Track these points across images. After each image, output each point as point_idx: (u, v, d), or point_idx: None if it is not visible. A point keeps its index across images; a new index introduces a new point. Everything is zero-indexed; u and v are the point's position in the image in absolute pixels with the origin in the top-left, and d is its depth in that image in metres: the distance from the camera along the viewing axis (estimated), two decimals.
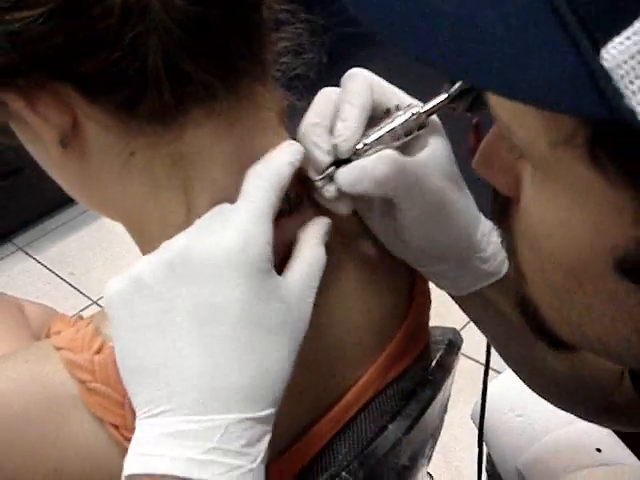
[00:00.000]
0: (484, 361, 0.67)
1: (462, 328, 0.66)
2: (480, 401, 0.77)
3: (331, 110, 0.50)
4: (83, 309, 2.00)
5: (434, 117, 0.51)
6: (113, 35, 0.40)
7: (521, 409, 0.96)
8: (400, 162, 0.48)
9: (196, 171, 0.46)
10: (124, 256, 2.02)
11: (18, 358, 0.48)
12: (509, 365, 0.66)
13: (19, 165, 0.45)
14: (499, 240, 0.54)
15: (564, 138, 0.30)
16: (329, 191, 0.49)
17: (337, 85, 0.51)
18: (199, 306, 0.42)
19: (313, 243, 0.47)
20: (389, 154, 0.48)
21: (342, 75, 0.50)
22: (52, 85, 0.43)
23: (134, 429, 0.42)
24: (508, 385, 0.95)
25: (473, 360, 0.68)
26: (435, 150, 0.51)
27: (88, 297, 2.06)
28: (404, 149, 0.51)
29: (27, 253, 2.25)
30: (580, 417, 0.69)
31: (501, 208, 0.41)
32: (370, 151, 0.49)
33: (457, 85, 0.49)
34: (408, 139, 0.50)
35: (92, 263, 2.17)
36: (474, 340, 0.64)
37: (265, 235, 0.43)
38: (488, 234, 0.54)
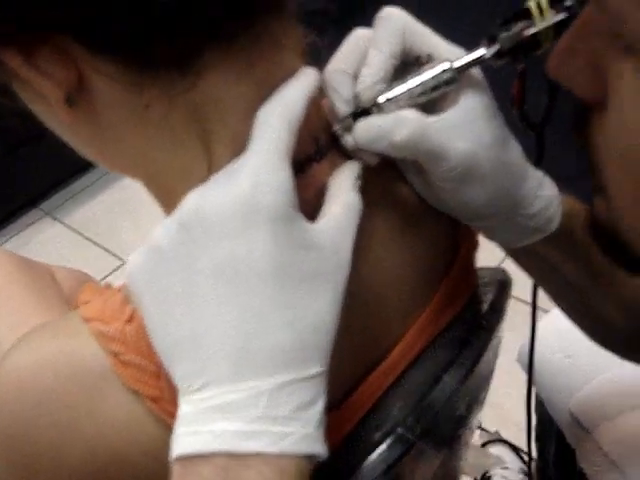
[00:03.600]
0: (530, 301, 0.64)
1: (501, 262, 0.63)
2: (527, 343, 0.74)
3: (358, 55, 0.46)
4: (114, 270, 1.99)
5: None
6: None
7: (570, 350, 0.93)
8: (422, 125, 0.44)
9: (215, 121, 0.42)
10: (150, 214, 2.00)
11: (47, 332, 0.45)
12: (568, 316, 0.63)
13: (38, 131, 0.43)
14: (550, 193, 0.50)
15: None
16: (348, 141, 0.46)
17: (362, 21, 0.46)
18: (220, 265, 0.38)
19: (345, 188, 0.44)
20: (409, 116, 0.45)
21: (367, 10, 0.46)
22: (53, 39, 0.39)
23: (174, 400, 0.40)
24: (556, 325, 0.92)
25: (517, 299, 0.65)
26: (466, 107, 0.46)
27: (118, 257, 2.05)
28: (432, 104, 0.47)
29: (55, 218, 2.25)
30: None
31: (579, 116, 0.36)
32: (392, 106, 0.45)
33: (496, 46, 0.44)
34: (435, 95, 0.46)
35: (119, 223, 2.16)
36: (518, 278, 0.61)
37: (281, 177, 0.39)
38: (536, 188, 0.50)
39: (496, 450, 1.43)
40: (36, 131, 0.49)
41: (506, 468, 1.36)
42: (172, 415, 0.40)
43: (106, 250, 2.10)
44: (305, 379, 0.38)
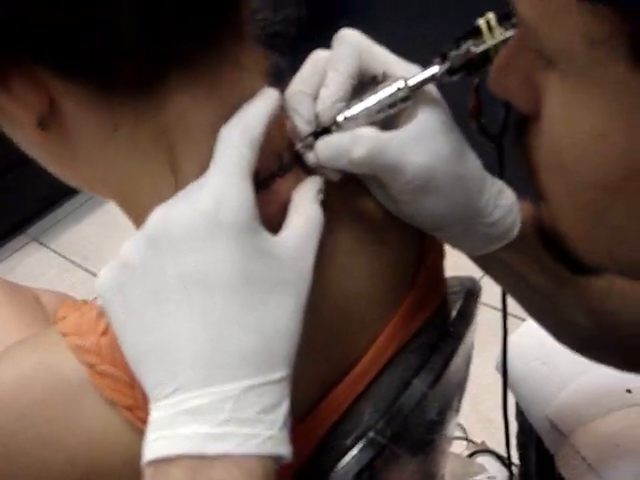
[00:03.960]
0: (510, 311, 0.66)
1: (482, 278, 0.64)
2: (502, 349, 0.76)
3: (318, 76, 0.48)
4: None
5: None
6: (80, 8, 0.38)
7: (546, 357, 0.95)
8: (377, 141, 0.46)
9: (181, 140, 0.44)
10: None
11: (26, 347, 0.47)
12: (535, 320, 0.65)
13: (23, 158, 0.44)
14: (510, 201, 0.52)
15: (604, 35, 0.28)
16: (310, 159, 0.48)
17: (321, 42, 0.49)
18: (186, 276, 0.40)
19: (307, 201, 0.46)
20: (366, 134, 0.47)
21: (326, 30, 0.48)
22: (24, 66, 0.41)
23: (147, 409, 0.41)
24: (531, 333, 0.94)
25: (497, 310, 0.67)
26: (421, 122, 0.48)
27: None
28: (390, 121, 0.49)
29: (41, 243, 2.25)
30: (612, 367, 0.68)
31: (519, 128, 0.39)
32: (351, 124, 0.47)
33: (447, 63, 0.47)
34: (392, 112, 0.48)
35: (105, 247, 2.16)
36: (497, 289, 0.63)
37: (242, 192, 0.41)
38: (495, 197, 0.51)
39: (483, 460, 1.44)
40: (21, 157, 0.50)
41: (493, 478, 1.37)
42: (146, 422, 0.42)
43: (92, 274, 2.10)
44: (270, 383, 0.40)
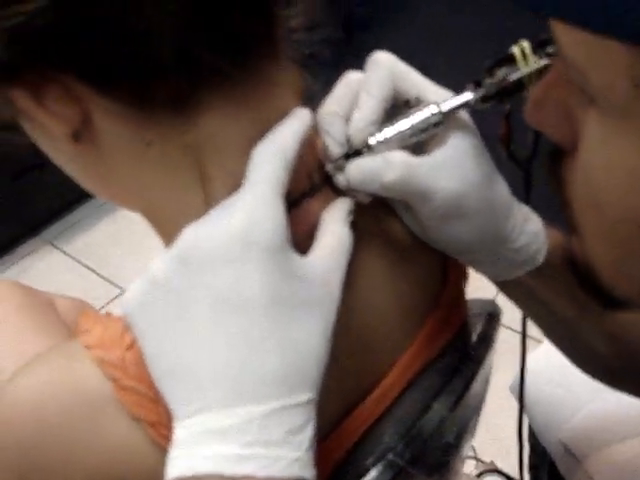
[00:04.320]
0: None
1: (496, 295, 0.65)
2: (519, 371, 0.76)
3: (350, 98, 0.48)
4: (113, 298, 2.01)
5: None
6: (119, 24, 0.38)
7: (561, 380, 0.94)
8: (409, 166, 0.47)
9: (212, 158, 0.44)
10: (149, 243, 2.01)
11: (49, 360, 0.47)
12: (554, 345, 0.64)
13: (39, 160, 0.44)
14: (536, 228, 0.52)
15: None
16: (340, 181, 0.48)
17: (355, 63, 0.49)
18: (216, 296, 0.40)
19: (337, 223, 0.46)
20: (397, 158, 0.47)
21: (360, 51, 0.48)
22: (59, 78, 0.41)
23: (170, 426, 0.41)
24: (548, 356, 0.94)
25: (511, 330, 0.66)
26: (452, 148, 0.48)
27: (117, 285, 2.07)
28: (421, 145, 0.49)
29: (55, 246, 2.27)
30: (631, 395, 0.67)
31: (552, 159, 0.38)
32: (382, 147, 0.47)
33: (481, 90, 0.47)
34: (423, 137, 0.48)
35: (118, 252, 2.17)
36: (513, 309, 0.63)
37: (274, 214, 0.41)
38: (521, 224, 0.52)
39: None
40: (37, 160, 0.51)
41: None
42: (169, 440, 0.42)
43: (105, 279, 2.11)
44: (296, 405, 0.40)
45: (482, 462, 1.49)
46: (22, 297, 0.86)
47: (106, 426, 0.45)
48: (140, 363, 0.43)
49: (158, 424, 0.44)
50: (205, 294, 0.40)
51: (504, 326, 0.91)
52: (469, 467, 1.46)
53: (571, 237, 0.39)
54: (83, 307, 1.06)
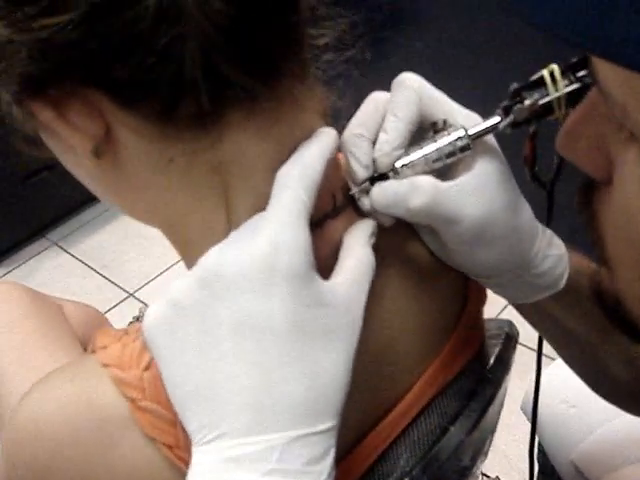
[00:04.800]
0: (535, 347, 0.65)
1: (503, 310, 0.64)
2: (531, 392, 0.75)
3: (376, 119, 0.48)
4: (120, 302, 2.00)
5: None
6: (147, 40, 0.38)
7: (575, 399, 0.93)
8: (436, 191, 0.46)
9: (236, 177, 0.43)
10: (157, 247, 2.02)
11: (64, 377, 0.46)
12: (571, 368, 0.63)
13: (47, 162, 0.44)
14: (559, 252, 0.51)
15: None
16: (365, 204, 0.47)
17: (380, 82, 0.48)
18: (239, 321, 0.39)
19: (360, 245, 0.45)
20: (424, 183, 0.46)
21: (385, 72, 0.47)
22: (83, 93, 0.41)
23: (188, 448, 0.41)
24: (561, 374, 0.92)
25: (522, 345, 0.66)
26: (479, 174, 0.47)
27: (123, 289, 2.07)
28: (446, 170, 0.48)
29: (62, 247, 2.26)
30: None
31: (584, 192, 0.38)
32: (408, 171, 0.47)
33: (510, 117, 0.46)
34: (450, 161, 0.47)
35: (125, 255, 2.17)
36: (523, 324, 0.63)
37: (299, 238, 0.40)
38: (545, 248, 0.51)
39: None
40: (45, 162, 0.50)
41: None
42: (186, 463, 0.41)
43: (112, 282, 2.11)
44: (317, 433, 0.39)
45: (487, 477, 1.47)
46: (30, 302, 0.85)
47: (123, 446, 0.44)
48: (158, 384, 0.43)
49: (176, 447, 0.44)
50: (227, 320, 0.39)
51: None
52: None
53: (600, 269, 0.38)
54: (92, 313, 1.06)
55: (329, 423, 0.40)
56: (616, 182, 0.34)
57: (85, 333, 0.97)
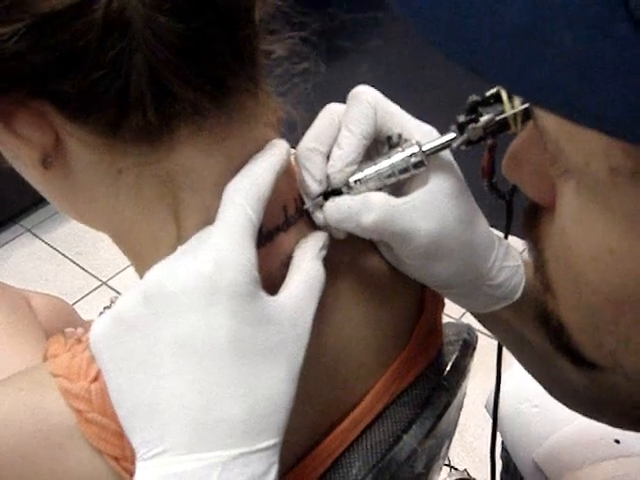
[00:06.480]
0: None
1: (465, 312, 0.64)
2: (494, 391, 0.75)
3: (331, 132, 0.47)
4: (92, 290, 1.99)
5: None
6: (93, 53, 0.37)
7: (537, 399, 0.94)
8: (388, 208, 0.46)
9: (185, 191, 0.43)
10: None
11: (13, 385, 0.46)
12: (530, 375, 0.64)
13: None
14: (515, 264, 0.52)
15: (627, 169, 0.26)
16: (319, 219, 0.47)
17: (335, 91, 0.48)
18: (180, 340, 0.39)
19: (309, 259, 0.45)
20: (376, 199, 0.46)
21: (344, 83, 0.47)
22: (31, 104, 0.40)
23: (134, 460, 0.40)
24: (524, 374, 0.93)
25: (490, 337, 0.65)
26: (432, 189, 0.47)
27: (97, 277, 2.05)
28: (402, 185, 0.48)
29: (35, 234, 2.24)
30: (605, 424, 0.67)
31: (529, 215, 0.37)
32: (362, 187, 0.47)
33: (464, 135, 0.46)
34: (404, 177, 0.47)
35: (99, 243, 2.15)
36: None
37: (242, 256, 0.40)
38: (501, 259, 0.51)
39: None
40: None
41: None
42: (132, 474, 0.41)
43: (85, 270, 2.09)
44: (257, 451, 0.39)
45: (456, 469, 1.49)
46: None
47: (69, 457, 0.44)
48: (106, 396, 0.43)
49: (122, 458, 0.43)
50: (169, 338, 0.39)
51: (482, 333, 0.91)
52: (443, 474, 1.46)
53: (545, 293, 0.38)
54: (60, 305, 1.05)
55: (270, 441, 0.40)
56: (557, 212, 0.33)
57: (53, 326, 0.96)
